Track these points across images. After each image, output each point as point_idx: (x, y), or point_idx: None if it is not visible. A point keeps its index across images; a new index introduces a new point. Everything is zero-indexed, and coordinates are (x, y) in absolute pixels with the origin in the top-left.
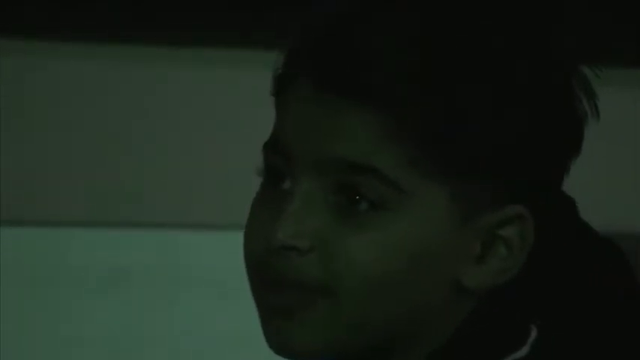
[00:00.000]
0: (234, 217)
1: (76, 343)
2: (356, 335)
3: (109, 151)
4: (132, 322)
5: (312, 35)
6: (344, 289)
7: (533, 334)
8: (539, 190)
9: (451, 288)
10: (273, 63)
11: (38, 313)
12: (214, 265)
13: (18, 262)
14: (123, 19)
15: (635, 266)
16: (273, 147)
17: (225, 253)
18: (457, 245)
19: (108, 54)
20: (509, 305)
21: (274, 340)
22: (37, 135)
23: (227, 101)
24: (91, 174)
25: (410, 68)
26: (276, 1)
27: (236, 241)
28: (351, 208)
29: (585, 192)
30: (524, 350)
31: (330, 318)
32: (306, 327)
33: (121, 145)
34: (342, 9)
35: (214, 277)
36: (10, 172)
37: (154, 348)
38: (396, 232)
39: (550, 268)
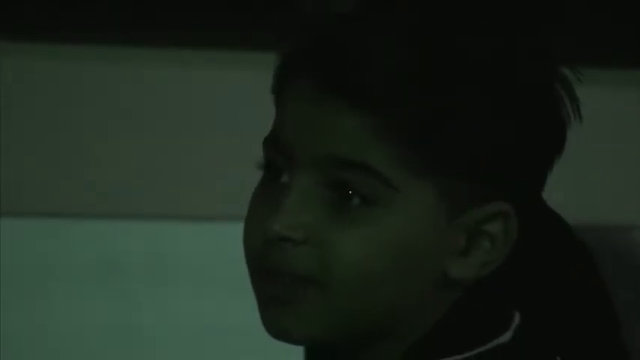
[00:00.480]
0: (223, 209)
1: (63, 333)
2: (346, 325)
3: (99, 146)
4: (121, 312)
5: (312, 36)
6: (335, 281)
7: (517, 320)
8: (524, 189)
9: (438, 279)
10: (271, 63)
11: (26, 302)
12: (202, 255)
13: (5, 253)
14: (123, 20)
15: (615, 256)
16: (272, 143)
17: (213, 244)
18: (444, 239)
19: (107, 55)
20: (492, 295)
21: (271, 327)
22: (28, 129)
23: (219, 99)
24: (78, 167)
25: (401, 71)
26: (276, 2)
27: (223, 232)
28: (344, 204)
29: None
30: (507, 335)
31: (321, 308)
32: (299, 315)
33: (113, 140)
34: (340, 11)
35: (202, 268)
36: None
37: (142, 338)
38: (386, 227)
39: (531, 261)
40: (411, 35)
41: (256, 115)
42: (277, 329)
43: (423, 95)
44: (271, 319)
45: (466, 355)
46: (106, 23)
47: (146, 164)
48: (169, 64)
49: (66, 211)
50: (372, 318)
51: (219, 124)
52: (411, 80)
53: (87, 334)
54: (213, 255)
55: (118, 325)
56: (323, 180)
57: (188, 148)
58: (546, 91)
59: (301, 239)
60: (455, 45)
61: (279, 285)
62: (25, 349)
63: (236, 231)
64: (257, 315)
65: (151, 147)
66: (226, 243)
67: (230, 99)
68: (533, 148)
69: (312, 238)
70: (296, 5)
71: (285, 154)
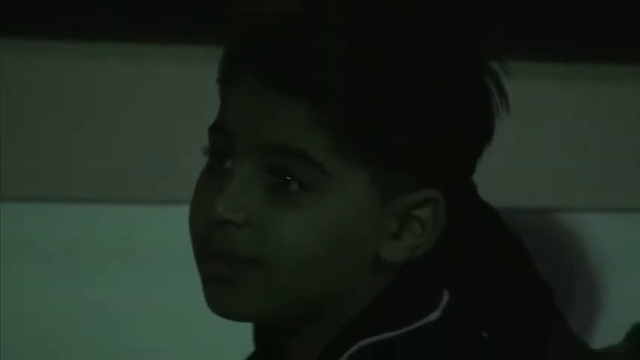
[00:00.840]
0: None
1: (26, 314)
2: (284, 303)
3: (69, 134)
4: (83, 292)
5: (256, 30)
6: (273, 261)
7: (445, 299)
8: (453, 177)
9: (372, 261)
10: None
11: None
12: (162, 238)
13: None
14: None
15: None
16: (217, 131)
17: (172, 227)
18: (377, 223)
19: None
20: (423, 276)
21: (214, 305)
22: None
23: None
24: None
25: (338, 67)
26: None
27: (182, 215)
28: (283, 189)
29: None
30: (436, 313)
31: (260, 287)
32: (239, 294)
33: (90, 129)
34: (281, 10)
35: (162, 250)
36: None
37: (105, 319)
38: (322, 211)
39: (460, 243)
40: (350, 32)
41: (202, 103)
42: (220, 307)
43: (358, 90)
44: (214, 297)
45: (397, 332)
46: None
47: (127, 150)
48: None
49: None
50: (310, 296)
51: (173, 110)
52: (347, 75)
53: (48, 314)
54: (172, 237)
55: (78, 306)
56: (264, 166)
57: (141, 131)
58: (475, 84)
59: (242, 222)
60: (389, 42)
61: (221, 265)
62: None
63: None
64: None
65: (114, 129)
66: (183, 226)
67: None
68: (462, 138)
69: (253, 221)
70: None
71: (229, 142)
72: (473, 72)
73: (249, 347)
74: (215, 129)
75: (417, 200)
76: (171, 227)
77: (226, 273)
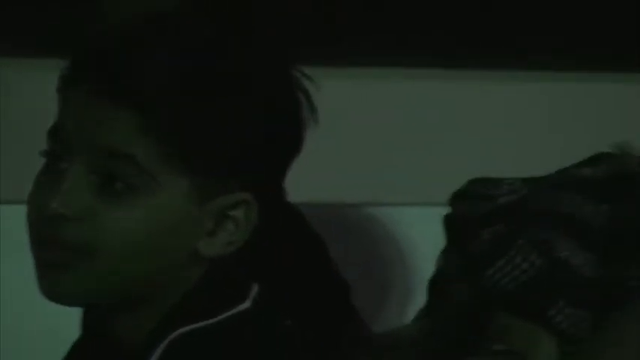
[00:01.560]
0: None
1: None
2: (109, 289)
3: None
4: None
5: (92, 48)
6: (101, 251)
7: (255, 290)
8: (264, 182)
9: (189, 254)
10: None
11: None
12: None
13: None
14: None
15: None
16: (54, 135)
17: None
18: (195, 221)
19: None
20: (236, 269)
21: (47, 291)
22: None
23: None
24: None
25: (161, 81)
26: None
27: None
28: (110, 187)
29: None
30: (246, 303)
31: (88, 274)
32: (69, 279)
33: None
34: (115, 29)
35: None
36: None
37: None
38: (144, 209)
39: (270, 241)
40: (174, 50)
41: None
42: (52, 292)
43: (178, 103)
44: (47, 283)
45: (210, 321)
46: None
47: None
48: None
49: None
50: (133, 284)
51: None
52: (169, 89)
53: None
54: None
55: None
56: (95, 167)
57: None
58: (286, 99)
59: (73, 216)
60: (208, 61)
61: (54, 253)
62: None
63: None
64: None
65: None
66: None
67: None
68: (273, 148)
69: (83, 215)
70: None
71: (65, 145)
72: (284, 87)
73: None
74: (52, 133)
75: (232, 202)
76: None
77: (58, 260)
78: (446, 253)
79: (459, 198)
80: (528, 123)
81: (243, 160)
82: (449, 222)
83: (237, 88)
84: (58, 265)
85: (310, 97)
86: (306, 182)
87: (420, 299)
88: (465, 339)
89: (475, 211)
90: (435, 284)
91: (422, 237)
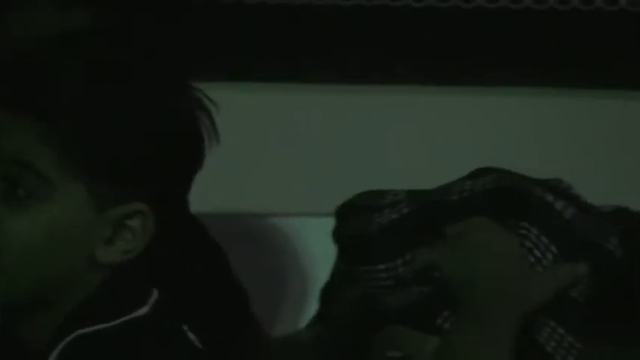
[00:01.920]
0: None
1: None
2: (13, 291)
3: None
4: None
5: None
6: (2, 255)
7: (154, 297)
8: (164, 194)
9: (88, 261)
10: None
11: None
12: None
13: None
14: None
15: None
16: None
17: None
18: (93, 229)
19: None
20: (136, 276)
21: None
22: None
23: None
24: None
25: (62, 94)
26: None
27: None
28: (13, 194)
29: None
30: (145, 309)
31: None
32: None
33: None
34: (19, 43)
35: None
36: None
37: None
38: (44, 215)
39: (170, 250)
40: (75, 62)
41: None
42: None
43: (77, 116)
44: None
45: (110, 324)
46: None
47: None
48: None
49: None
50: (36, 286)
51: None
52: (69, 102)
53: None
54: None
55: None
56: None
57: None
58: (184, 116)
59: None
60: (109, 77)
61: None
62: None
63: None
64: None
65: None
66: None
67: None
68: (171, 163)
69: None
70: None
71: None
72: (182, 105)
73: None
74: None
75: (129, 212)
76: None
77: None
78: (336, 263)
79: (345, 209)
80: (435, 134)
81: (140, 172)
82: (337, 232)
83: (136, 103)
84: None
85: (211, 114)
86: (207, 193)
87: (316, 306)
88: (356, 346)
89: (362, 222)
90: (327, 292)
91: (320, 247)
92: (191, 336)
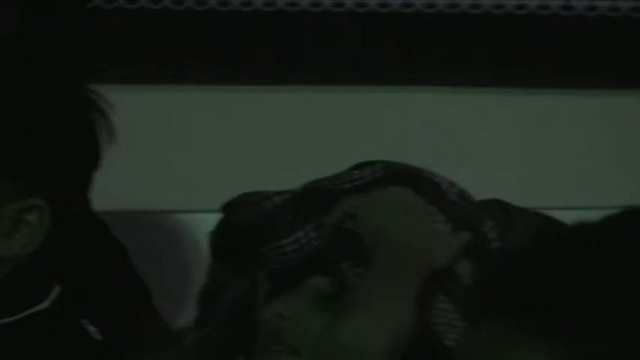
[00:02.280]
0: None
1: None
2: None
3: None
4: None
5: None
6: None
7: (55, 291)
8: (62, 191)
9: None
10: None
11: None
12: None
13: None
14: None
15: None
16: None
17: None
18: None
19: None
20: (38, 271)
21: None
22: None
23: None
24: None
25: None
26: None
27: None
28: None
29: None
30: (45, 304)
31: None
32: None
33: None
34: None
35: None
36: None
37: None
38: None
39: (72, 245)
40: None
41: None
42: None
43: None
44: None
45: (10, 319)
46: None
47: None
48: None
49: None
50: None
51: None
52: None
53: None
54: None
55: None
56: None
57: None
58: (78, 117)
59: None
60: (4, 73)
61: None
62: None
63: None
64: None
65: None
66: None
67: None
68: (68, 161)
69: None
70: None
71: None
72: (77, 106)
73: None
74: None
75: (26, 206)
76: None
77: None
78: (213, 263)
79: (232, 205)
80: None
81: (35, 168)
82: (227, 225)
83: (30, 103)
84: None
85: (107, 115)
86: (108, 191)
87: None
88: (239, 341)
89: (253, 210)
90: (209, 289)
91: None
92: (91, 328)
